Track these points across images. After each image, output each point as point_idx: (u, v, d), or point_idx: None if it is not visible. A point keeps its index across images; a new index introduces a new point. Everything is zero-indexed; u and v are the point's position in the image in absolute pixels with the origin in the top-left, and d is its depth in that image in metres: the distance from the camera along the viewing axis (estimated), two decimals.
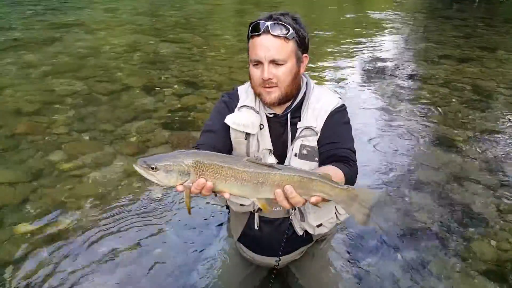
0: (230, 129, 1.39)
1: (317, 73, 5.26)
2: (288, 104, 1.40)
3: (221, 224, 2.24)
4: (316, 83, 1.49)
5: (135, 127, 3.51)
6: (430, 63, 5.97)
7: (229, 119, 1.37)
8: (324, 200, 1.08)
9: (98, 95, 4.16)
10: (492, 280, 1.98)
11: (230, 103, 1.45)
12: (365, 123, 3.76)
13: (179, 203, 2.48)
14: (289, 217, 1.49)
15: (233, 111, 1.41)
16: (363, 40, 7.39)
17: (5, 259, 2.01)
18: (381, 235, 2.27)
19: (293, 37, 1.28)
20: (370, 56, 6.28)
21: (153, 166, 1.00)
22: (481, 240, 2.26)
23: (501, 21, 10.28)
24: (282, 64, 1.28)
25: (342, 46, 6.87)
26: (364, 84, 4.99)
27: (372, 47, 6.91)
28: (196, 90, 4.45)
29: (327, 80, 5.07)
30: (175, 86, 4.55)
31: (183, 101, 4.14)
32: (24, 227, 2.23)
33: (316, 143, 1.37)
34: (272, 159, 1.40)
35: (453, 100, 4.49)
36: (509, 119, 4.02)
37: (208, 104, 4.07)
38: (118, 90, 4.31)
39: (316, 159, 1.36)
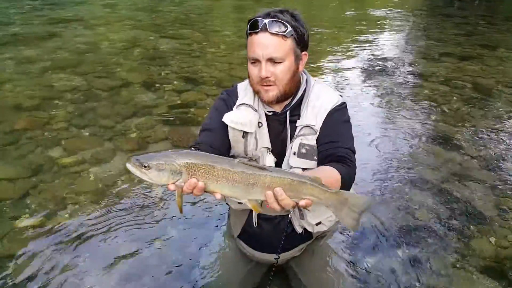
0: (228, 128, 1.38)
1: (316, 71, 5.25)
2: (287, 101, 1.39)
3: (222, 221, 2.24)
4: (315, 80, 1.48)
5: (135, 123, 3.51)
6: (430, 61, 5.96)
7: (227, 118, 1.36)
8: (314, 203, 1.08)
9: (98, 91, 4.15)
10: (491, 277, 1.99)
11: (229, 101, 1.44)
12: (365, 121, 3.76)
13: None
14: (288, 214, 1.49)
15: (231, 109, 1.40)
16: (363, 37, 7.37)
17: (5, 253, 2.01)
18: (380, 232, 2.27)
19: (292, 35, 1.26)
20: (370, 54, 6.27)
21: (146, 165, 1.01)
22: (481, 238, 2.27)
23: (502, 19, 10.26)
24: (280, 62, 1.26)
25: (342, 44, 6.85)
26: (364, 82, 4.98)
27: (372, 44, 6.89)
28: (196, 86, 4.44)
29: (327, 78, 5.06)
30: (175, 82, 4.54)
31: (183, 97, 4.13)
32: (24, 222, 2.23)
33: (315, 142, 1.36)
34: (270, 158, 1.40)
35: (454, 98, 4.49)
36: (510, 117, 4.02)
37: (208, 100, 4.06)
38: (117, 86, 4.29)
39: (315, 158, 1.35)
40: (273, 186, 1.02)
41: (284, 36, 1.24)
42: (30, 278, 1.86)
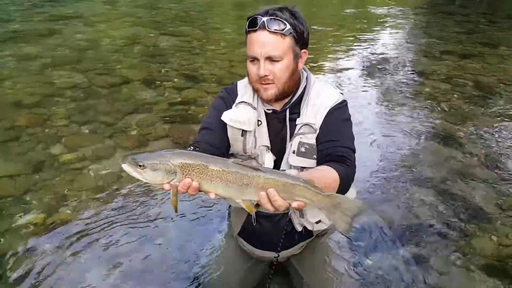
0: (227, 126, 1.38)
1: (317, 69, 5.24)
2: (287, 99, 1.38)
3: (222, 219, 2.24)
4: (316, 78, 1.47)
5: (136, 120, 3.50)
6: (431, 59, 5.95)
7: (225, 116, 1.36)
8: (307, 205, 1.08)
9: (98, 88, 4.14)
10: (493, 275, 1.98)
11: (228, 99, 1.43)
12: (366, 119, 3.75)
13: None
14: (288, 213, 1.48)
15: (230, 107, 1.40)
16: (363, 35, 7.34)
17: (6, 250, 2.01)
18: (382, 229, 2.27)
19: (290, 33, 1.24)
20: (370, 52, 6.25)
21: (141, 164, 1.02)
22: (482, 236, 2.26)
23: (504, 17, 10.22)
24: (278, 61, 1.26)
25: (342, 41, 6.83)
26: (364, 80, 4.97)
27: (373, 42, 6.87)
28: (196, 83, 4.43)
29: (327, 76, 5.05)
30: (175, 79, 4.53)
31: (183, 95, 4.12)
32: (24, 219, 2.23)
33: (315, 141, 1.35)
34: (269, 156, 1.39)
35: (455, 96, 4.48)
36: (511, 115, 4.01)
37: (208, 98, 4.05)
38: (118, 83, 4.28)
39: (315, 156, 1.34)
40: (267, 187, 1.03)
41: (282, 34, 1.23)
42: (31, 275, 1.86)
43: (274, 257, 1.54)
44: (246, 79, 1.43)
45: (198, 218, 2.31)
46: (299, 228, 1.51)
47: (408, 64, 5.73)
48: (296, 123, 1.37)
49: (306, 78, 1.42)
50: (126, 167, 1.04)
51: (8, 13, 7.25)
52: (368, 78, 5.03)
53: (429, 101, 4.30)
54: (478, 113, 4.03)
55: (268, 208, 1.05)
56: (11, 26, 6.25)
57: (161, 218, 2.30)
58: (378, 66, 5.52)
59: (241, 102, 1.39)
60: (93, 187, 2.56)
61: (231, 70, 4.92)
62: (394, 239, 2.20)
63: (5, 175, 2.61)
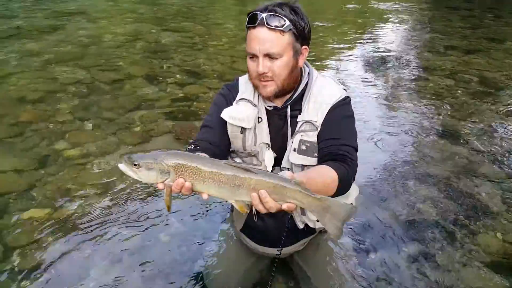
0: (227, 123, 1.37)
1: (318, 65, 5.20)
2: (288, 96, 1.37)
3: (225, 215, 2.24)
4: (319, 73, 1.45)
5: (138, 116, 3.50)
6: (436, 54, 5.89)
7: (225, 113, 1.35)
8: (298, 207, 1.08)
9: (101, 84, 4.14)
10: (498, 272, 1.97)
11: (229, 96, 1.43)
12: (369, 115, 3.73)
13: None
14: None
15: (231, 104, 1.39)
16: (366, 30, 7.29)
17: (12, 244, 2.03)
18: (386, 226, 2.26)
19: (290, 29, 1.23)
20: (374, 47, 6.20)
21: (136, 163, 1.04)
22: (487, 233, 2.25)
23: (509, 11, 10.11)
24: (277, 58, 1.24)
25: (345, 37, 6.78)
26: (368, 76, 4.93)
27: (376, 37, 6.82)
28: (199, 79, 4.42)
29: (330, 72, 5.02)
30: (177, 75, 4.52)
31: (185, 91, 4.12)
32: (29, 214, 2.24)
33: (316, 138, 1.34)
34: (270, 153, 1.39)
35: (459, 91, 4.44)
36: None
37: (210, 93, 4.04)
38: (120, 79, 4.28)
39: (316, 154, 1.33)
40: (258, 188, 1.04)
41: (281, 30, 1.21)
42: (36, 269, 1.88)
43: (276, 254, 1.54)
44: (247, 75, 1.42)
45: (201, 213, 2.32)
46: (301, 226, 1.50)
47: (412, 60, 5.69)
48: (297, 120, 1.36)
49: (308, 74, 1.40)
50: (122, 166, 1.06)
51: (11, 9, 7.25)
52: (372, 74, 4.99)
53: (433, 97, 4.27)
54: (483, 109, 4.00)
55: (260, 209, 1.06)
56: (14, 23, 6.25)
57: (164, 213, 2.30)
58: (381, 62, 5.48)
59: (242, 99, 1.38)
60: (97, 182, 2.57)
61: (233, 66, 4.91)
62: (398, 236, 2.20)
63: (10, 170, 2.63)
